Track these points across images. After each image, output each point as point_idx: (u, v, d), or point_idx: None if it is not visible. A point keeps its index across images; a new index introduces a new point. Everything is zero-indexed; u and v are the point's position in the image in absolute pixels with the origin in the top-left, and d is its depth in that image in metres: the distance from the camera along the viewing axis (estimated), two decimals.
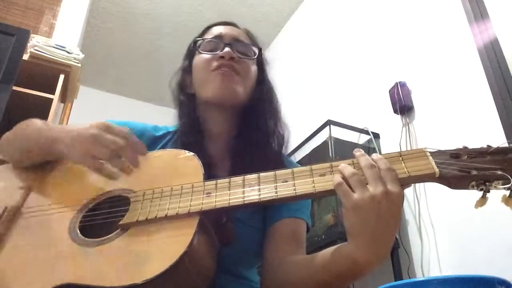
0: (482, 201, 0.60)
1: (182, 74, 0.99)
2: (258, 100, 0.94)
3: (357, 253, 0.62)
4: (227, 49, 0.90)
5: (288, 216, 0.85)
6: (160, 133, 0.96)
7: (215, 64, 0.90)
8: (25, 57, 2.00)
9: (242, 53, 0.93)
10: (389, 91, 2.19)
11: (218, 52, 0.91)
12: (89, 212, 0.73)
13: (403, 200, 0.61)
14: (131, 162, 0.70)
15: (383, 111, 2.25)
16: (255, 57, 0.96)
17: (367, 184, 0.60)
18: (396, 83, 2.15)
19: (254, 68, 0.96)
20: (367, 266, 0.63)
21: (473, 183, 0.60)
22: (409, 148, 2.04)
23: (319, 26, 3.18)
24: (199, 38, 0.97)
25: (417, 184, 1.96)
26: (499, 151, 0.62)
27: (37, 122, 0.85)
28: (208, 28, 1.00)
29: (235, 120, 0.94)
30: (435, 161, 0.62)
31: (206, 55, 0.92)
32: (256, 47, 0.98)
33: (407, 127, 2.10)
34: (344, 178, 0.61)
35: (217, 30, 0.96)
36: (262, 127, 0.92)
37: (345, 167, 0.62)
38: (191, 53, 0.99)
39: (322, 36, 3.11)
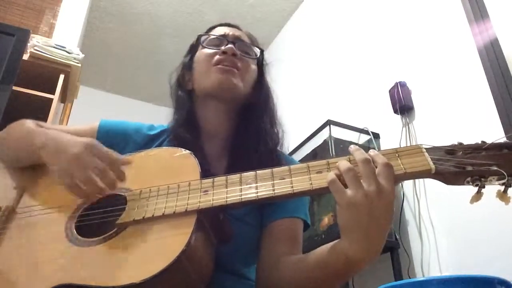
0: (477, 196, 0.60)
1: (182, 69, 1.01)
2: (256, 101, 0.96)
3: (349, 250, 0.62)
4: (230, 45, 0.93)
5: (285, 216, 0.85)
6: (156, 131, 0.97)
7: (217, 58, 0.92)
8: (25, 57, 2.00)
9: (244, 52, 0.97)
10: (389, 91, 2.19)
11: (221, 48, 0.93)
12: (85, 211, 0.72)
13: (394, 197, 0.61)
14: (108, 185, 0.70)
15: (383, 111, 2.25)
16: (257, 57, 1.00)
17: (361, 180, 0.60)
18: (396, 83, 2.15)
19: (254, 67, 0.99)
20: (359, 263, 0.63)
21: (469, 178, 0.60)
22: None
23: (319, 26, 3.18)
24: (203, 34, 1.00)
25: (417, 184, 1.96)
26: (494, 146, 0.62)
27: (29, 124, 0.86)
28: (212, 28, 1.03)
29: (232, 119, 0.95)
30: (431, 157, 0.62)
31: (209, 50, 0.95)
32: (258, 48, 1.01)
33: (407, 127, 2.10)
34: (340, 174, 0.61)
35: (221, 30, 1.00)
36: (258, 128, 0.93)
37: (343, 163, 0.62)
38: (193, 49, 1.01)
39: (322, 36, 3.10)
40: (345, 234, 0.62)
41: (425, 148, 0.64)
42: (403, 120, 2.13)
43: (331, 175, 0.61)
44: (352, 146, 0.64)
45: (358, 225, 0.60)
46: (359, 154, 0.62)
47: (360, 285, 2.01)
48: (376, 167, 0.61)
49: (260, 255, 0.83)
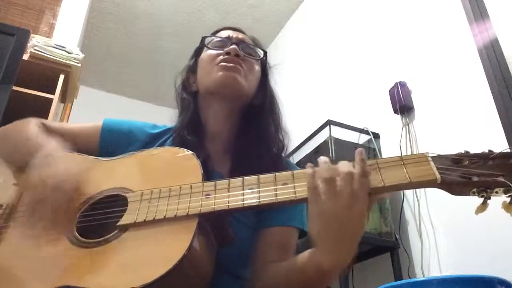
0: (483, 207, 0.59)
1: (187, 72, 1.02)
2: (260, 104, 0.96)
3: (321, 258, 0.63)
4: (233, 46, 0.93)
5: (279, 225, 0.85)
6: (159, 130, 0.97)
7: (220, 58, 0.93)
8: (25, 57, 2.00)
9: (248, 53, 0.97)
10: (389, 91, 2.19)
11: (225, 49, 0.94)
12: (86, 212, 0.72)
13: (365, 209, 0.60)
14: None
15: (383, 111, 2.25)
16: (260, 58, 1.00)
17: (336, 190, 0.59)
18: (396, 83, 2.15)
19: (258, 68, 0.98)
20: (332, 270, 0.64)
21: (474, 189, 0.59)
22: (409, 148, 2.04)
23: (319, 26, 3.18)
24: (207, 36, 1.00)
25: None
26: (501, 156, 0.61)
27: (30, 128, 0.86)
28: (217, 31, 1.03)
29: (235, 119, 0.95)
30: (436, 167, 0.61)
31: (212, 51, 0.95)
32: (261, 50, 1.01)
33: (407, 127, 2.10)
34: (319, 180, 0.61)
35: (225, 33, 1.00)
36: (262, 131, 0.93)
37: (323, 169, 0.62)
38: (197, 52, 1.02)
39: (322, 36, 3.10)
40: (316, 243, 0.63)
41: (431, 157, 0.63)
42: (403, 120, 2.13)
43: (314, 181, 0.61)
44: (321, 157, 0.64)
45: (328, 234, 0.61)
46: (342, 166, 0.61)
47: (360, 285, 2.01)
48: (353, 178, 0.60)
49: (252, 257, 0.82)
